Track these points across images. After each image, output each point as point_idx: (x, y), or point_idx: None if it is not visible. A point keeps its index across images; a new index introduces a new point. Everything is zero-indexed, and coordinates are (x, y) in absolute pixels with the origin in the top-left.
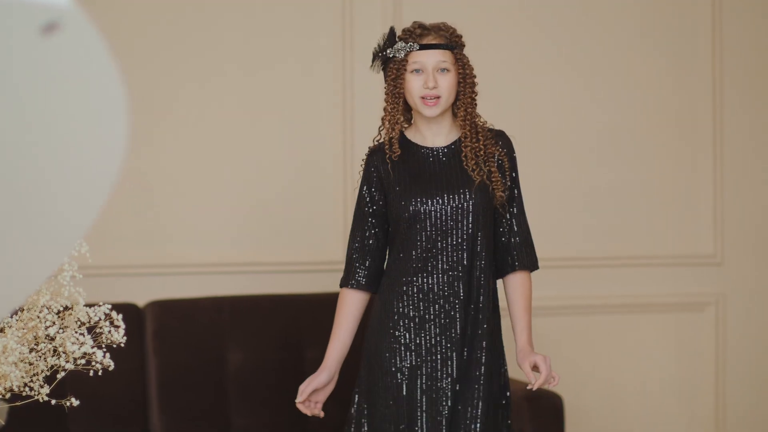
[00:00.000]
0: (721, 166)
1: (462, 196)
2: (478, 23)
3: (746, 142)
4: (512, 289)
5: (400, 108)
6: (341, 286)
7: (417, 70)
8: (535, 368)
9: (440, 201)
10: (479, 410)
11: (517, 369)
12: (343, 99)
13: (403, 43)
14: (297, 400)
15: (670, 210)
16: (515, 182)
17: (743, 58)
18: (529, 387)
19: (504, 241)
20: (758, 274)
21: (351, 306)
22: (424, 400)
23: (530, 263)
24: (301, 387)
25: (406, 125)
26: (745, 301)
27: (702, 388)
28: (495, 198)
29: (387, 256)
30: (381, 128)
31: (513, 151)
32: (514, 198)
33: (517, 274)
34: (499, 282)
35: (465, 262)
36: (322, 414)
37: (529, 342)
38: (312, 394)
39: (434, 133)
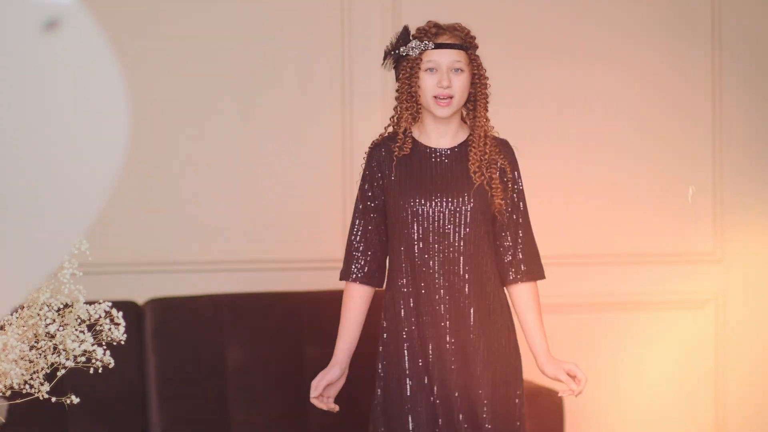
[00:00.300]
0: (720, 164)
1: (461, 199)
2: (477, 17)
3: (746, 139)
4: (522, 300)
5: (414, 106)
6: (341, 278)
7: (431, 69)
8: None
9: (439, 203)
10: (486, 414)
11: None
12: (342, 96)
13: (418, 42)
14: (312, 395)
15: (669, 207)
16: (520, 193)
17: (743, 56)
18: (564, 394)
19: (510, 253)
20: (758, 271)
21: (356, 299)
22: (432, 398)
23: (537, 274)
24: (314, 383)
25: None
26: (744, 299)
27: (702, 385)
28: (494, 205)
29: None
30: (388, 126)
31: (516, 162)
32: (519, 209)
33: (524, 285)
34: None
35: (462, 265)
36: (336, 408)
37: (549, 351)
38: (324, 389)
39: (441, 133)
